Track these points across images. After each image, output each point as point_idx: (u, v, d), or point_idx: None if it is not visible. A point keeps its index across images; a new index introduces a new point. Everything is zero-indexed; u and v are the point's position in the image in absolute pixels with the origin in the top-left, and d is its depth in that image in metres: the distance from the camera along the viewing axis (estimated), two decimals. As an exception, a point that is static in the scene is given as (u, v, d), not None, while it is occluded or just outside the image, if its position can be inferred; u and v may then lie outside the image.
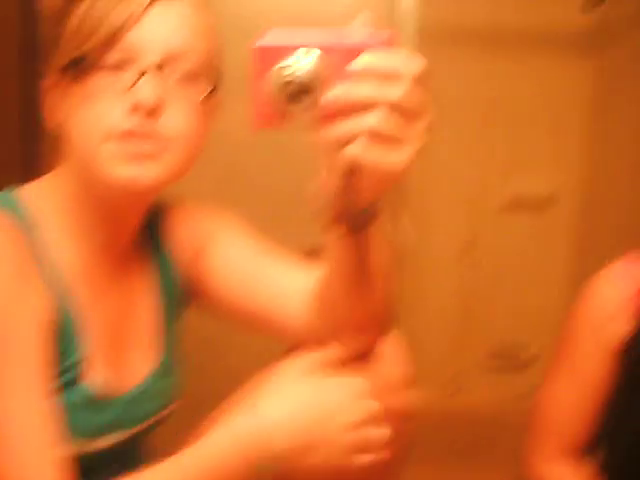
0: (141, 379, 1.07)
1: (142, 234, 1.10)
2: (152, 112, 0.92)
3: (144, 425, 1.07)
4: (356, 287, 0.91)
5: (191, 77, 0.96)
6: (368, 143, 0.71)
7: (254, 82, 0.73)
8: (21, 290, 0.89)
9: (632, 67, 2.16)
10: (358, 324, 0.97)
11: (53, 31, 0.98)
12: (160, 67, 0.93)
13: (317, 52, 0.72)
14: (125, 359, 1.05)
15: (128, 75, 0.93)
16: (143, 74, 0.92)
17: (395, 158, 0.72)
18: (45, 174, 1.04)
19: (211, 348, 1.99)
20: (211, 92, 0.99)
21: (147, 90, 0.92)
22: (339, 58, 0.72)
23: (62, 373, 0.93)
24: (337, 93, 0.72)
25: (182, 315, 1.19)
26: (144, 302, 1.11)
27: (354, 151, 0.71)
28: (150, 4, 0.94)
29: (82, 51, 0.92)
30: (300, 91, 0.72)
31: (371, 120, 0.71)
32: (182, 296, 1.17)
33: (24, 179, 1.04)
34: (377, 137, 0.71)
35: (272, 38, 0.73)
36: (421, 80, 0.71)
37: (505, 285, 2.28)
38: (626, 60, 2.16)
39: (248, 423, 0.90)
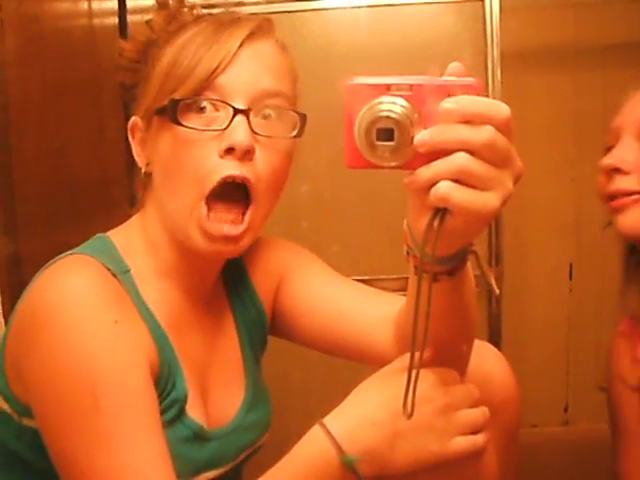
0: (233, 414, 1.09)
1: (223, 271, 1.12)
2: (244, 155, 0.95)
3: (237, 460, 1.09)
4: (439, 324, 0.87)
5: (279, 117, 0.99)
6: (456, 184, 0.71)
7: (346, 120, 0.74)
8: (127, 334, 0.91)
9: None
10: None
11: (138, 74, 1.03)
12: (250, 108, 0.96)
13: (409, 92, 0.73)
14: (215, 396, 1.07)
15: (220, 118, 0.96)
16: (235, 116, 0.95)
17: (483, 201, 0.72)
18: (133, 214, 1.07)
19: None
20: (303, 131, 1.01)
21: (240, 132, 0.94)
22: (430, 100, 0.73)
23: (163, 413, 0.94)
24: (429, 134, 0.72)
25: (264, 348, 1.21)
26: (228, 338, 1.13)
27: (442, 192, 0.72)
28: (239, 47, 0.97)
29: (175, 95, 0.96)
30: (392, 130, 0.72)
31: (459, 161, 0.71)
32: (264, 329, 1.18)
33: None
34: (465, 178, 0.71)
35: (364, 78, 0.74)
36: (507, 126, 0.72)
37: (612, 308, 2.21)
38: None
39: (329, 423, 0.88)
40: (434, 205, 0.74)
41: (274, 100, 0.99)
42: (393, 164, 0.74)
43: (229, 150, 0.94)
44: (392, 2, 2.01)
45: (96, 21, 1.78)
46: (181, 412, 0.98)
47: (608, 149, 1.24)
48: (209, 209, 0.96)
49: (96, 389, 0.85)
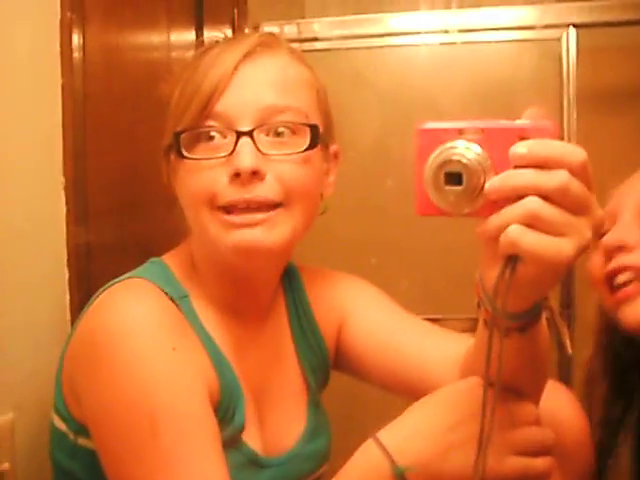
0: (292, 443, 1.07)
1: (280, 299, 1.12)
2: (252, 178, 0.93)
3: None
4: (508, 377, 0.82)
5: (292, 131, 0.97)
6: (527, 228, 0.68)
7: (417, 166, 0.73)
8: (185, 362, 0.91)
9: None
10: None
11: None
12: (255, 128, 0.94)
13: (481, 135, 0.71)
14: (273, 423, 1.06)
15: (227, 143, 0.94)
16: (239, 139, 0.93)
17: (556, 247, 0.68)
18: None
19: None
20: (317, 143, 0.98)
21: (244, 156, 0.92)
22: (503, 144, 0.70)
23: (223, 438, 0.93)
24: (498, 181, 0.70)
25: (327, 382, 1.20)
26: (289, 366, 1.12)
27: (512, 236, 0.68)
28: (237, 67, 0.95)
29: (181, 126, 0.96)
30: (461, 174, 0.71)
31: (530, 205, 0.68)
32: (326, 363, 1.17)
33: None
34: (536, 224, 0.68)
35: (436, 123, 0.73)
36: (584, 171, 0.68)
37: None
38: None
39: (382, 436, 0.87)
40: (505, 252, 0.71)
41: (282, 116, 0.97)
42: (464, 211, 0.72)
43: (237, 175, 0.93)
44: (468, 40, 2.00)
45: (174, 54, 1.81)
46: (237, 439, 0.97)
47: (602, 235, 1.16)
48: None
49: (154, 416, 0.85)
